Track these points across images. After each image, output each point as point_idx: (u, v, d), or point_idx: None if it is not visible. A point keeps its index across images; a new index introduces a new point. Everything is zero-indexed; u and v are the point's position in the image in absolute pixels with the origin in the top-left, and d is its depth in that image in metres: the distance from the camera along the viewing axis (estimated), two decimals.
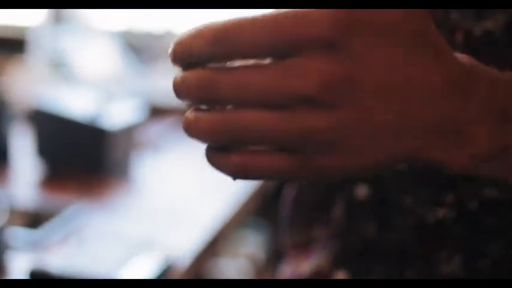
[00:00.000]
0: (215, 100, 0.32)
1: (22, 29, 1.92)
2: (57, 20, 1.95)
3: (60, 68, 1.56)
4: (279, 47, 0.31)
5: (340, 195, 0.60)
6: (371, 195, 0.58)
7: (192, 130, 0.32)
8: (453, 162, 0.35)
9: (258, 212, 1.36)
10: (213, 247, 0.99)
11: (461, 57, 0.36)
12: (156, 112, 1.48)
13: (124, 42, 1.85)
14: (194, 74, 0.32)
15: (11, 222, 0.91)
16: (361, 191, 0.58)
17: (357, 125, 0.32)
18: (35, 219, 0.95)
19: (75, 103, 1.15)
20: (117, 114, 1.14)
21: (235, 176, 0.33)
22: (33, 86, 1.44)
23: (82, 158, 1.11)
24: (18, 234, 0.88)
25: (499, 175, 0.37)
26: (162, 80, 1.68)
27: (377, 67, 0.32)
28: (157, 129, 1.39)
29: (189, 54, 0.32)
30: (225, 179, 1.19)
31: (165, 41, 1.93)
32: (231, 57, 0.32)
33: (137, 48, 1.88)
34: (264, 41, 0.31)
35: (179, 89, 0.32)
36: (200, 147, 1.36)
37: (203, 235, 0.95)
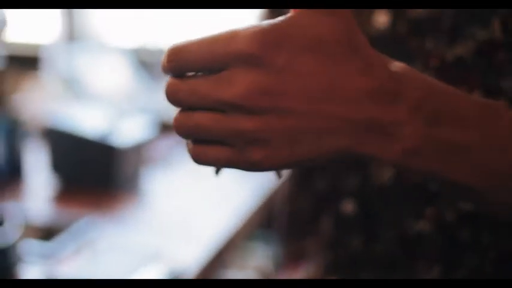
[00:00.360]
0: (178, 104, 0.40)
1: (36, 47, 1.96)
2: (71, 37, 1.99)
3: (73, 85, 1.60)
4: (215, 63, 0.38)
5: (328, 210, 0.64)
6: (357, 210, 0.61)
7: (172, 127, 0.41)
8: (384, 157, 0.40)
9: (266, 224, 1.39)
10: (221, 259, 1.02)
11: (395, 65, 0.40)
12: (166, 128, 1.51)
13: (136, 59, 1.89)
14: (167, 83, 0.40)
15: (25, 235, 0.94)
16: (348, 206, 0.61)
17: (282, 127, 0.38)
18: (48, 233, 0.98)
19: (88, 120, 1.19)
20: (128, 131, 1.18)
21: (196, 162, 0.41)
22: (47, 103, 1.48)
23: (94, 174, 1.15)
24: (31, 247, 0.92)
25: (427, 170, 0.41)
26: None
27: (300, 77, 0.37)
28: (166, 144, 1.42)
29: (162, 68, 0.40)
30: (233, 193, 1.22)
31: None
32: (183, 72, 0.39)
33: (148, 65, 1.91)
34: (203, 59, 0.38)
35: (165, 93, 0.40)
36: None
37: (211, 247, 0.98)
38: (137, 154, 1.18)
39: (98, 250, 0.91)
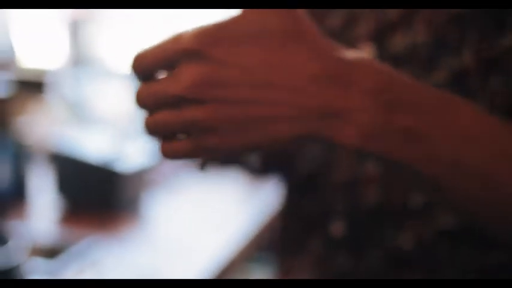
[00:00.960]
0: (143, 107, 0.44)
1: (42, 72, 1.99)
2: (76, 63, 2.03)
3: (78, 109, 1.63)
4: (166, 62, 0.42)
5: (317, 231, 0.66)
6: (346, 231, 0.64)
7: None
8: (341, 140, 0.42)
9: (266, 246, 1.41)
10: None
11: (349, 53, 0.42)
12: None
13: (137, 84, 1.92)
14: (137, 90, 0.45)
15: (30, 255, 0.97)
16: (337, 228, 0.64)
17: (228, 115, 0.41)
18: (52, 252, 1.01)
19: (92, 145, 1.22)
20: (131, 156, 1.21)
21: (166, 157, 0.45)
22: (52, 127, 1.51)
23: (97, 197, 1.18)
24: (36, 265, 0.94)
25: (384, 154, 0.43)
26: None
27: (240, 66, 0.40)
28: (168, 168, 1.45)
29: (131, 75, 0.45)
30: (233, 215, 1.24)
31: None
32: (146, 74, 0.44)
33: None
34: (157, 59, 0.42)
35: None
36: (208, 186, 1.42)
37: (211, 269, 1.00)
38: (140, 178, 1.21)
39: (101, 270, 0.94)
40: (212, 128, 0.41)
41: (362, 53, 0.44)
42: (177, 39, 0.41)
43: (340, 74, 0.41)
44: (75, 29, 2.03)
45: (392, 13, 0.60)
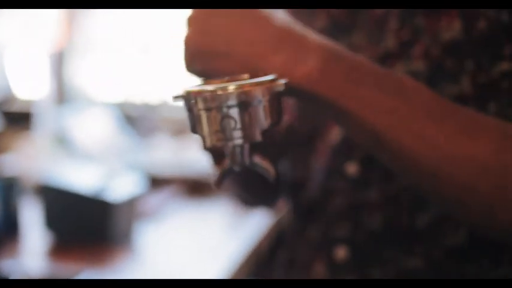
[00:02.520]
0: None
1: (28, 103, 1.97)
2: (60, 94, 2.03)
3: (64, 142, 1.63)
4: None
5: (321, 256, 0.68)
6: (349, 255, 0.65)
7: None
8: (292, 73, 0.50)
9: (255, 272, 1.42)
10: None
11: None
12: (156, 182, 1.54)
13: (121, 113, 1.92)
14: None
15: None
16: (341, 253, 0.66)
17: (201, 15, 0.54)
18: None
19: (81, 176, 1.22)
20: (120, 187, 1.21)
21: None
22: (39, 160, 1.51)
23: (88, 229, 1.18)
24: None
25: (327, 95, 0.51)
26: (160, 151, 1.75)
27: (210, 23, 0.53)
28: (156, 199, 1.46)
29: None
30: (222, 243, 1.25)
31: (161, 112, 1.99)
32: None
33: (134, 119, 1.95)
34: None
35: None
36: (197, 216, 1.43)
37: None
38: (130, 208, 1.22)
39: None
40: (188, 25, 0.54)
41: None
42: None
43: (294, 37, 0.52)
44: (58, 61, 2.03)
45: (391, 43, 0.63)
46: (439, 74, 0.61)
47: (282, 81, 0.50)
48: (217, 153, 0.55)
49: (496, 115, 0.58)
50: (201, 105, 0.49)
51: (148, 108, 2.02)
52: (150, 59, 2.10)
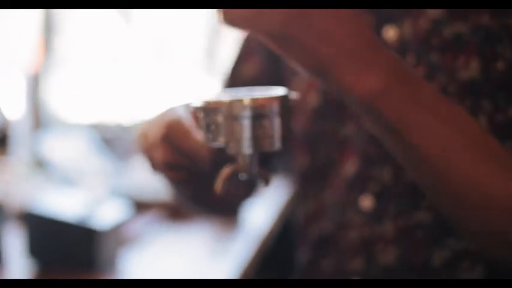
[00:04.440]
0: None
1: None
2: (36, 116, 2.00)
3: (42, 167, 1.61)
4: None
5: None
6: None
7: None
8: (356, 87, 0.50)
9: None
10: None
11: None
12: (139, 207, 1.52)
13: (97, 135, 1.90)
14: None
15: None
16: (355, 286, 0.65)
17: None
18: None
19: (64, 203, 1.20)
20: (105, 214, 1.19)
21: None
22: (19, 185, 1.48)
23: (73, 257, 1.16)
24: None
25: (385, 114, 0.51)
26: (138, 174, 1.73)
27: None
28: (139, 224, 1.44)
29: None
30: (207, 268, 1.24)
31: (135, 132, 1.97)
32: None
33: (109, 141, 1.93)
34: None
35: None
36: (180, 240, 1.42)
37: None
38: (116, 235, 1.20)
39: None
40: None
41: None
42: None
43: (371, 42, 0.51)
44: (33, 82, 2.01)
45: None
46: None
47: (293, 95, 0.53)
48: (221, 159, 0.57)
49: None
50: (217, 115, 0.53)
51: (122, 129, 2.01)
52: (123, 78, 2.09)
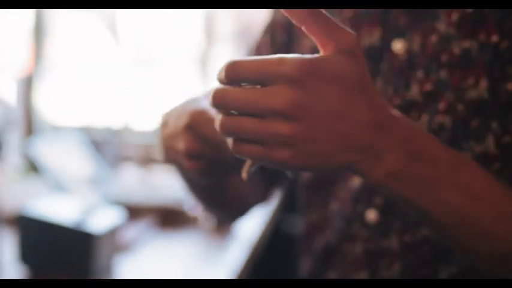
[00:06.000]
0: (222, 106, 0.49)
1: None
2: (28, 120, 1.99)
3: (34, 171, 1.60)
4: (263, 78, 0.48)
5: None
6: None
7: (218, 128, 0.50)
8: (369, 173, 0.51)
9: None
10: None
11: (391, 108, 0.52)
12: (129, 213, 1.52)
13: (87, 138, 1.89)
14: (215, 89, 0.50)
15: None
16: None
17: (307, 135, 0.48)
18: None
19: (57, 208, 1.19)
20: (100, 218, 1.19)
21: (236, 154, 0.51)
22: (11, 190, 1.47)
23: (67, 262, 1.14)
24: None
25: (401, 194, 0.52)
26: (129, 180, 1.73)
27: (324, 99, 0.48)
28: (132, 230, 1.43)
29: (218, 77, 0.50)
30: (200, 274, 1.24)
31: (126, 137, 1.97)
32: (236, 81, 0.49)
33: (98, 144, 1.91)
34: (254, 74, 0.48)
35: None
36: (173, 246, 1.41)
37: None
38: (111, 241, 1.19)
39: None
40: (289, 143, 0.48)
41: (396, 110, 0.53)
42: (279, 62, 0.48)
43: (385, 124, 0.50)
44: (26, 87, 2.00)
45: (415, 93, 0.64)
46: (463, 131, 0.61)
47: None
48: None
49: None
50: None
51: (112, 133, 1.99)
52: (112, 82, 2.08)
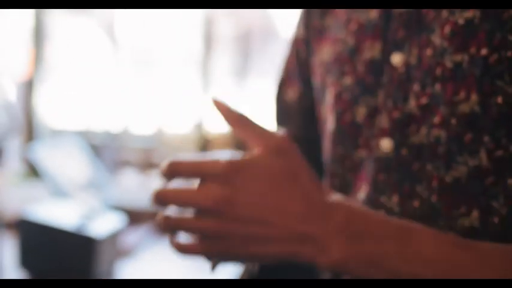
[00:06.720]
0: (163, 204, 0.53)
1: None
2: (28, 124, 1.99)
3: (34, 176, 1.59)
4: (198, 176, 0.53)
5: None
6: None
7: (158, 225, 0.54)
8: (317, 263, 0.53)
9: None
10: None
11: (328, 194, 0.55)
12: (131, 217, 1.51)
13: (86, 142, 1.89)
14: (157, 190, 0.53)
15: None
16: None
17: (236, 229, 0.52)
18: None
19: (59, 212, 1.19)
20: (101, 223, 1.19)
21: (178, 253, 0.55)
22: (11, 194, 1.47)
23: (69, 266, 1.14)
24: None
25: (353, 274, 0.54)
26: (128, 184, 1.72)
27: (252, 195, 0.52)
28: (133, 235, 1.43)
29: (161, 172, 0.54)
30: (201, 278, 1.24)
31: (125, 141, 1.97)
32: (175, 177, 0.53)
33: (97, 148, 1.91)
34: (191, 172, 0.53)
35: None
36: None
37: None
38: (113, 245, 1.19)
39: None
40: (220, 238, 0.52)
41: (336, 195, 0.56)
42: (214, 163, 0.52)
43: (320, 212, 0.53)
44: (26, 91, 2.00)
45: (412, 106, 0.63)
46: (458, 145, 0.62)
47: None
48: None
49: None
50: None
51: (111, 137, 2.00)
52: (112, 86, 2.08)
